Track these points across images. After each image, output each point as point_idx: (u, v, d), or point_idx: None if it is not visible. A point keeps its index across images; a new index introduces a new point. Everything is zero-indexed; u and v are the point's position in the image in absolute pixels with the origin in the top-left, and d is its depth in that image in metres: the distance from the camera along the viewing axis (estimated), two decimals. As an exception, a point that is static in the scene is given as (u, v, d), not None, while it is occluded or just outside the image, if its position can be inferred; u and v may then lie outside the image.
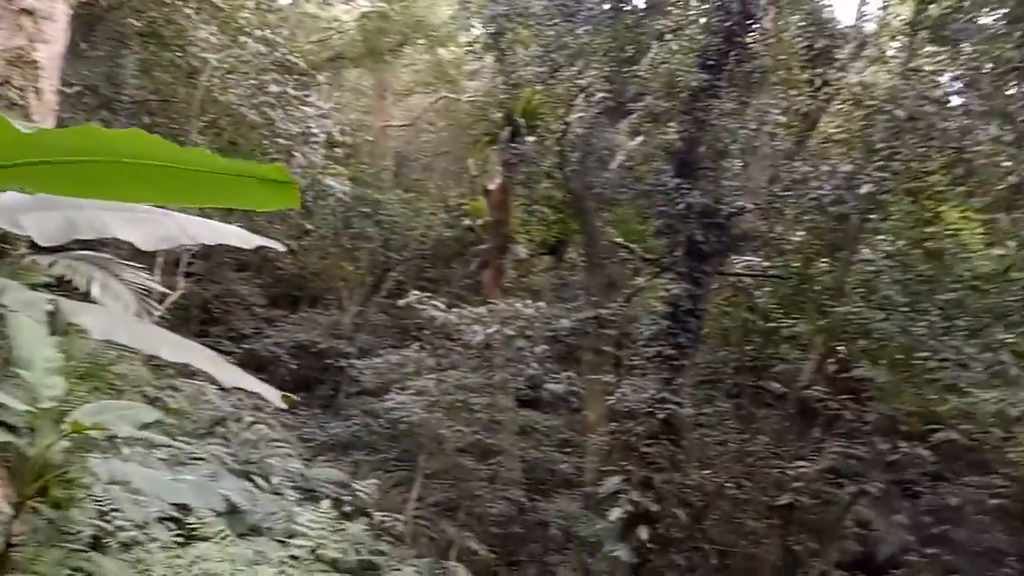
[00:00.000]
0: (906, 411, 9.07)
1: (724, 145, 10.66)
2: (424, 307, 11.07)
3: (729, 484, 9.63)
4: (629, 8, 14.23)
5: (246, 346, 15.89)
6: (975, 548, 10.68)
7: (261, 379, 2.37)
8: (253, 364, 15.28)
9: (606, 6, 13.79)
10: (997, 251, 9.96)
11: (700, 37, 11.67)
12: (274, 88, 12.29)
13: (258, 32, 12.51)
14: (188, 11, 11.79)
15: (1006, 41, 9.21)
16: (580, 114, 15.23)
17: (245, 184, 1.79)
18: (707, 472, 9.64)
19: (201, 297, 16.34)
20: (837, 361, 9.85)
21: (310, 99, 13.33)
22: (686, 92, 10.74)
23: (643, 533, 8.99)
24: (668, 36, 14.28)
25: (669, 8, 14.68)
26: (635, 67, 14.41)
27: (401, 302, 11.76)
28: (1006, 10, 9.52)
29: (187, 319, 15.58)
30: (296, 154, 12.50)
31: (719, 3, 11.08)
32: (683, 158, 10.88)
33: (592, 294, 13.42)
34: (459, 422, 11.99)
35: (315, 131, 12.86)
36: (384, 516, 8.75)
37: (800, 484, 8.76)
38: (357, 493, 8.96)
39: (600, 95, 14.02)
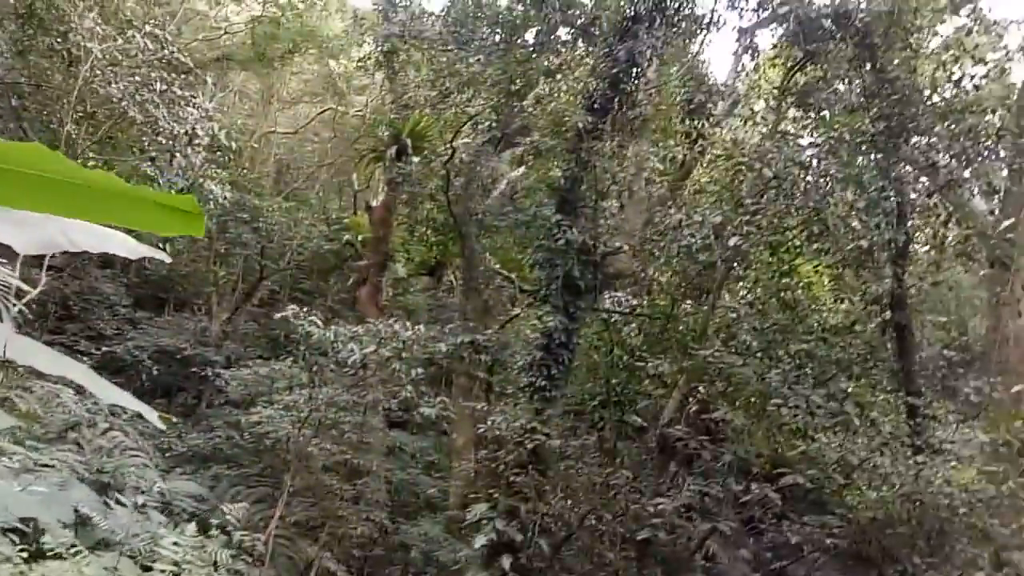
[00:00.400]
0: (758, 453, 9.66)
1: (604, 186, 11.08)
2: (301, 322, 10.82)
3: (591, 516, 9.90)
4: (520, 43, 14.63)
5: (105, 348, 14.95)
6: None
7: (119, 384, 2.28)
8: (112, 367, 14.41)
9: (498, 38, 14.11)
10: (844, 306, 10.83)
11: (587, 80, 12.15)
12: (159, 86, 11.79)
13: (147, 27, 11.98)
14: (72, -4, 11.16)
15: (864, 115, 10.13)
16: (467, 140, 15.46)
17: (149, 207, 1.76)
18: (570, 503, 9.88)
19: (61, 293, 15.28)
20: (697, 401, 10.39)
21: (196, 99, 12.85)
22: (571, 131, 11.09)
23: (506, 562, 9.10)
24: (557, 75, 14.76)
25: (559, 48, 15.19)
26: (523, 101, 14.81)
27: (277, 315, 11.42)
28: (864, 84, 10.49)
29: (43, 315, 14.53)
30: (177, 155, 12.02)
31: (607, 50, 11.57)
32: (565, 195, 11.21)
33: (468, 319, 13.54)
34: (327, 440, 11.74)
35: (199, 133, 12.41)
36: (244, 535, 8.44)
37: (658, 520, 9.14)
38: (218, 509, 8.62)
39: (488, 124, 14.30)
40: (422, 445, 14.82)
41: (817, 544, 10.32)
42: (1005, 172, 10.08)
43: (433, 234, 16.78)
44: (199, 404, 15.93)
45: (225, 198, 13.22)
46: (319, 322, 10.74)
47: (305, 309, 11.13)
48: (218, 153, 13.68)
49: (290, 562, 10.60)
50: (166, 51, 12.04)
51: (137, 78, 11.34)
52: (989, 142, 9.68)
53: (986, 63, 10.24)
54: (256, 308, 18.96)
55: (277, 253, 18.66)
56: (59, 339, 14.39)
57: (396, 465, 14.32)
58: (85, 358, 13.27)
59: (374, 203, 17.71)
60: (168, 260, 2.62)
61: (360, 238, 18.23)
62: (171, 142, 11.81)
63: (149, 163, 11.95)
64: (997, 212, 10.63)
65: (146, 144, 11.99)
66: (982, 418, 9.18)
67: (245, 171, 19.37)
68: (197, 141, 12.25)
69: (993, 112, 9.71)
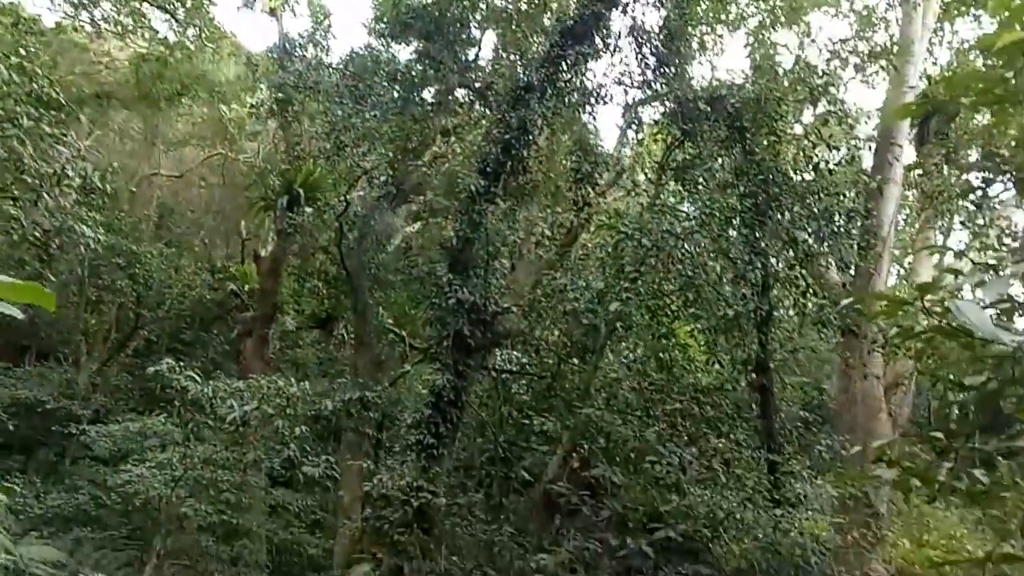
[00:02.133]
0: (635, 507, 10.07)
1: (495, 248, 11.45)
2: (177, 376, 10.52)
3: (476, 573, 9.99)
4: (418, 101, 14.98)
5: (-48, 399, 13.95)
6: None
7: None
8: (-38, 421, 13.44)
9: (396, 95, 14.40)
10: (716, 368, 11.53)
11: (481, 143, 12.58)
12: (25, 121, 11.32)
13: (13, 58, 11.51)
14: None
15: (734, 191, 10.99)
16: (361, 194, 15.58)
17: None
18: (456, 560, 9.94)
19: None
20: (580, 458, 10.75)
21: (66, 137, 12.39)
22: (464, 193, 11.43)
23: (388, 624, 9.04)
24: (452, 136, 15.20)
25: (456, 109, 15.65)
26: (419, 159, 15.12)
27: (151, 369, 11.03)
28: (734, 163, 11.39)
29: None
30: (44, 195, 11.53)
31: (500, 116, 12.05)
32: (457, 255, 11.49)
33: (359, 374, 13.48)
34: (203, 500, 11.35)
35: (69, 173, 11.95)
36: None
37: (540, 575, 9.34)
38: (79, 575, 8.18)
39: (383, 179, 14.49)
40: (307, 503, 14.48)
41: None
42: (855, 248, 11.15)
43: (325, 287, 16.66)
44: (62, 461, 15.02)
45: (98, 242, 12.72)
46: (197, 377, 10.47)
47: (182, 363, 10.84)
48: (92, 195, 13.20)
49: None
50: (35, 84, 11.60)
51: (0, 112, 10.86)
52: (841, 221, 10.71)
53: (839, 150, 11.39)
54: (130, 359, 18.13)
55: (155, 301, 17.98)
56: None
57: (278, 524, 13.92)
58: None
59: (263, 253, 17.45)
60: (19, 315, 2.46)
61: (247, 288, 17.87)
62: (38, 181, 11.32)
63: (11, 203, 11.40)
64: (848, 284, 11.71)
65: (9, 182, 11.44)
66: (832, 473, 9.97)
67: (123, 214, 18.64)
68: (67, 181, 11.78)
69: (845, 195, 10.79)
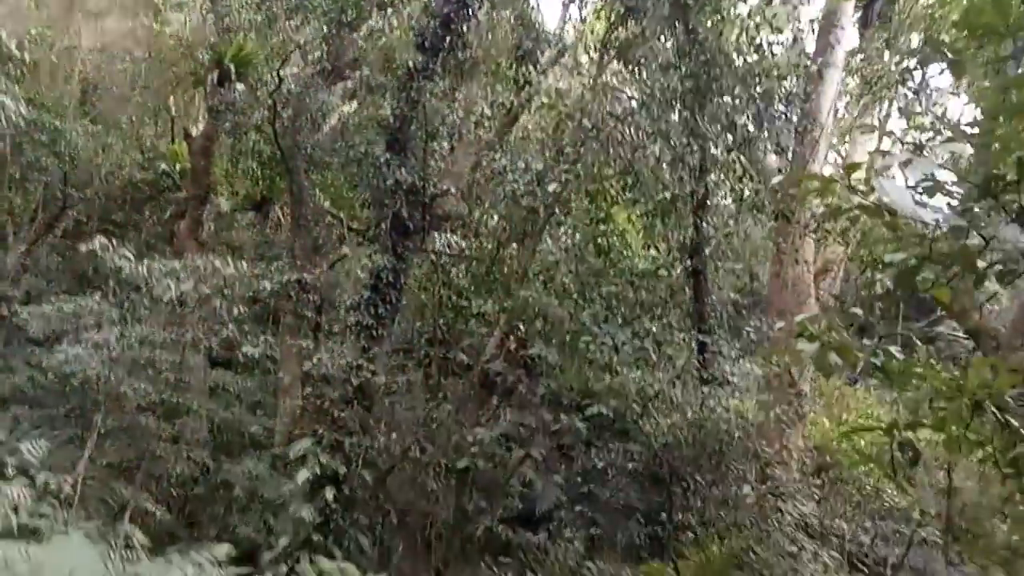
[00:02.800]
0: (569, 387, 10.42)
1: (434, 127, 11.20)
2: (109, 255, 10.24)
3: (414, 448, 10.31)
4: (353, -29, 14.17)
5: None
6: (614, 504, 12.60)
7: None
8: None
9: (329, -36, 13.60)
10: (652, 253, 11.72)
11: (419, 17, 12.05)
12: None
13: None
14: None
15: (675, 73, 10.83)
16: (296, 70, 14.90)
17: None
18: (394, 436, 10.23)
19: None
20: (516, 339, 10.98)
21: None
22: (402, 69, 11.05)
23: (329, 494, 9.34)
24: (390, 9, 14.51)
25: (392, -20, 14.88)
26: (355, 33, 14.43)
27: (83, 247, 10.72)
28: (676, 44, 11.17)
29: None
30: (-41, 65, 10.81)
31: (439, -13, 11.53)
32: (395, 134, 11.22)
33: (297, 257, 13.32)
34: (142, 380, 11.31)
35: (-19, 40, 11.19)
36: (49, 477, 8.11)
37: (476, 449, 9.70)
38: (17, 451, 8.19)
39: (318, 54, 13.86)
40: (247, 385, 14.54)
41: (620, 468, 11.35)
42: (793, 133, 11.21)
43: (259, 167, 16.15)
44: (-6, 344, 14.73)
45: (20, 116, 12.05)
46: (130, 256, 10.22)
47: (115, 242, 10.53)
48: (9, 64, 12.42)
49: (103, 504, 10.26)
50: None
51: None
52: (780, 105, 10.71)
53: (783, 32, 11.23)
54: (60, 240, 17.54)
55: (83, 181, 17.23)
56: None
57: (219, 404, 14.00)
58: None
59: (194, 132, 16.76)
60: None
61: (178, 168, 17.24)
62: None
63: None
64: (785, 169, 11.83)
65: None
66: (759, 354, 10.41)
67: (44, 88, 17.58)
68: (-20, 49, 11.06)
69: (785, 78, 10.73)
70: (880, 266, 4.59)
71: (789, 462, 9.93)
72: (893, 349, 6.02)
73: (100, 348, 11.15)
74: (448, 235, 12.53)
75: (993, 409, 4.54)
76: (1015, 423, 4.35)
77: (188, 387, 12.83)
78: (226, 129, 15.97)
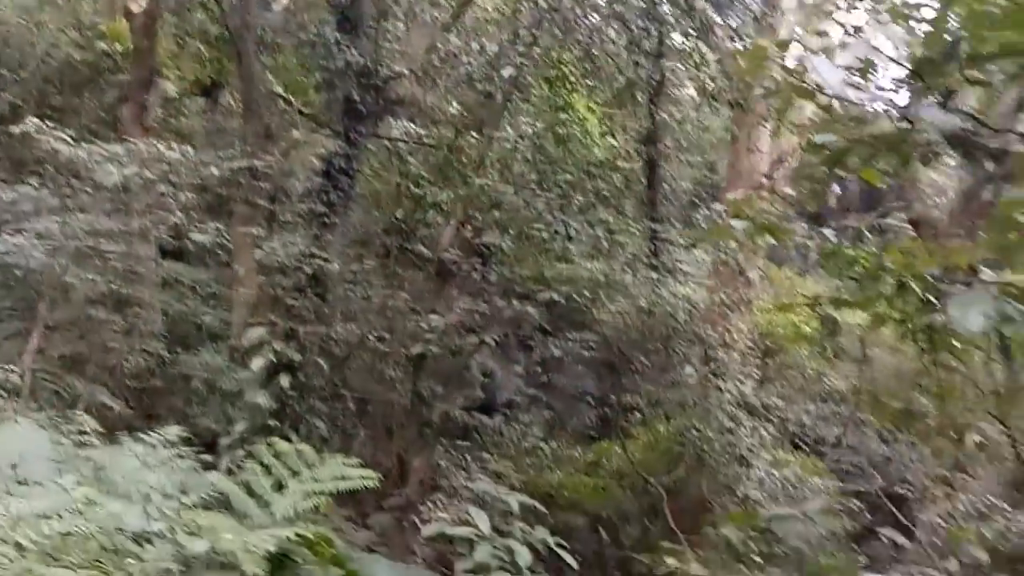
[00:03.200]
0: (526, 276, 10.49)
1: (386, 5, 10.73)
2: (45, 137, 9.82)
3: (370, 336, 10.39)
4: None
5: None
6: (571, 391, 12.99)
7: None
8: None
9: None
10: (611, 142, 11.61)
11: None
12: None
13: None
14: None
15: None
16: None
17: None
18: (351, 325, 10.28)
19: None
20: (472, 228, 10.94)
21: None
22: (352, -59, 10.47)
23: (284, 381, 9.44)
24: None
25: None
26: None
27: (15, 129, 10.26)
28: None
29: None
30: None
31: None
32: (345, 12, 10.75)
33: (248, 144, 12.92)
34: (90, 270, 11.09)
35: None
36: (-7, 368, 8.04)
37: (432, 336, 9.81)
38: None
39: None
40: (201, 277, 14.33)
41: (577, 357, 11.64)
42: (752, 19, 10.96)
43: (207, 48, 15.41)
44: (-74, 234, 14.22)
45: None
46: (69, 139, 9.81)
47: (51, 125, 10.09)
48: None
49: (56, 396, 10.23)
50: None
51: None
52: (742, -12, 10.44)
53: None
54: (-7, 124, 16.76)
55: (16, 61, 16.32)
56: None
57: (172, 296, 13.83)
58: None
59: (135, 8, 15.81)
60: None
61: (120, 49, 16.36)
62: None
63: None
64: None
65: None
66: (703, 238, 10.53)
67: (-32, -40, 16.38)
68: None
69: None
70: (813, 149, 4.60)
71: (734, 346, 10.25)
72: (829, 233, 6.15)
73: (43, 238, 10.86)
74: (405, 122, 12.24)
75: (913, 285, 4.69)
76: (932, 299, 4.52)
77: (139, 278, 12.62)
78: (170, 6, 15.13)
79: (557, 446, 11.53)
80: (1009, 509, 7.54)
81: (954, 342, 5.42)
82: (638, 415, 10.29)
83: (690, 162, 12.45)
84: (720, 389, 9.17)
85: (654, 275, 9.46)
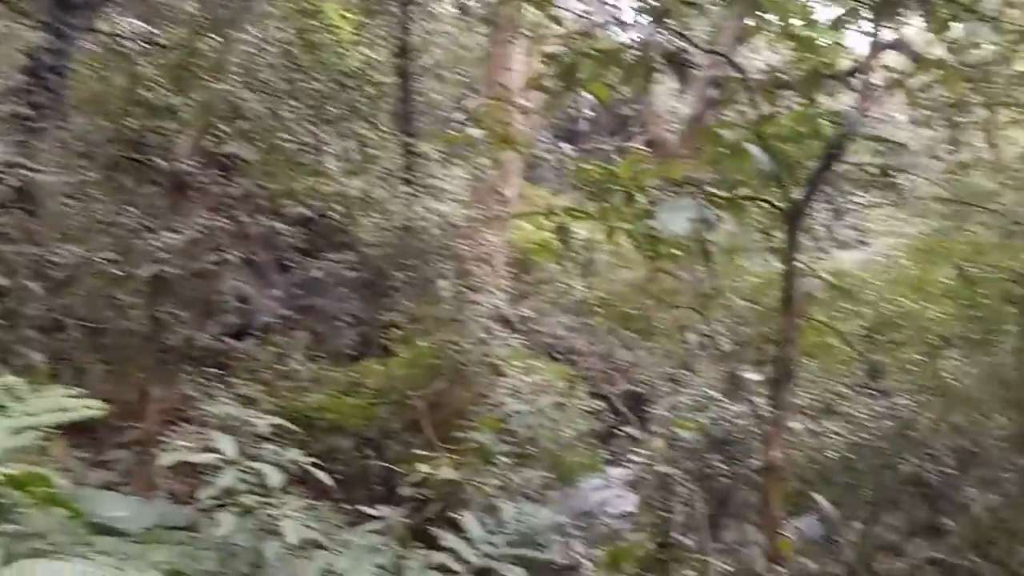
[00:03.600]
0: (271, 189, 9.91)
1: None
2: None
3: (97, 258, 9.34)
4: None
5: None
6: (332, 312, 12.64)
7: None
8: None
9: None
10: (365, 52, 11.14)
11: None
12: None
13: None
14: None
15: None
16: None
17: None
18: (71, 245, 9.14)
19: None
20: (213, 137, 10.09)
21: None
22: None
23: (-11, 308, 8.25)
24: None
25: None
26: None
27: None
28: None
29: None
30: None
31: None
32: None
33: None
34: None
35: None
36: None
37: (168, 255, 9.01)
38: None
39: None
40: None
41: (339, 278, 11.32)
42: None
43: None
44: None
45: None
46: None
47: None
48: None
49: None
50: None
51: None
52: None
53: None
54: None
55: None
56: None
57: None
58: None
59: None
60: None
61: None
62: None
63: None
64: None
65: None
66: (466, 159, 10.62)
67: None
68: None
69: None
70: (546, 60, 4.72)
71: (488, 261, 10.51)
72: (568, 149, 6.37)
73: None
74: (132, 20, 10.91)
75: (639, 197, 5.03)
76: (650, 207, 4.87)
77: None
78: None
79: (317, 368, 11.28)
80: (724, 400, 8.43)
81: (671, 249, 5.92)
82: (399, 332, 10.28)
83: (447, 79, 12.33)
84: (475, 303, 9.38)
85: (409, 191, 9.34)
